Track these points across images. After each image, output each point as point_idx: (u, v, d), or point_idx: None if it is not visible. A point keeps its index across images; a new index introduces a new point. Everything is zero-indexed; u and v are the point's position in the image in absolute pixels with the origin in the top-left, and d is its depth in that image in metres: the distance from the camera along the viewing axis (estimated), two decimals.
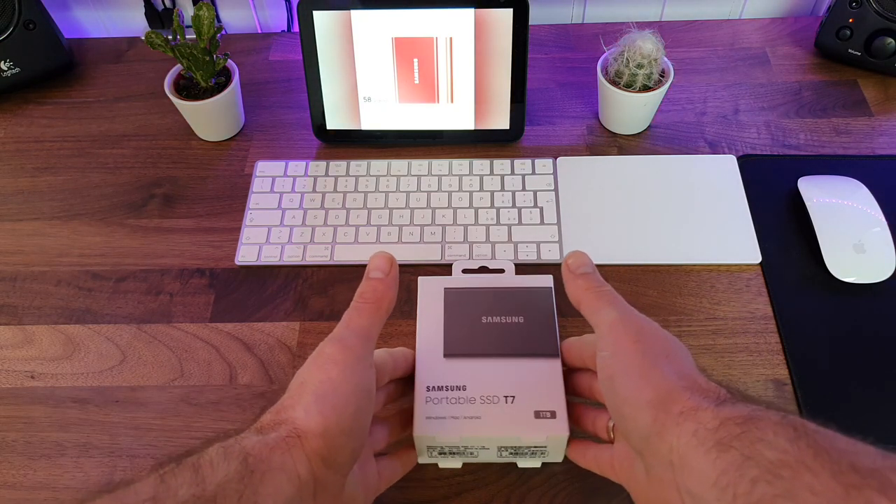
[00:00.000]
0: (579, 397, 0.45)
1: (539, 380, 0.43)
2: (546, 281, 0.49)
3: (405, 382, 0.46)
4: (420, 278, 0.49)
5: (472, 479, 0.49)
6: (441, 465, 0.47)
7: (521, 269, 0.60)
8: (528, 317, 0.47)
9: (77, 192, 0.68)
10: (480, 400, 0.43)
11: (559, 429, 0.41)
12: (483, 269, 0.58)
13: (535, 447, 0.43)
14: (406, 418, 0.44)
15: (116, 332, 0.58)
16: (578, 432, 0.43)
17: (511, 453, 0.44)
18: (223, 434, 0.34)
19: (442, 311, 0.47)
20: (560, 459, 0.45)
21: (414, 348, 0.46)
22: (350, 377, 0.36)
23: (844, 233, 0.59)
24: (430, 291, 0.49)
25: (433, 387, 0.43)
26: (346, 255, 0.62)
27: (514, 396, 0.43)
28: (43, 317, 0.60)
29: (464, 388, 0.43)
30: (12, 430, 0.53)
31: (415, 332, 0.47)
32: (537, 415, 0.42)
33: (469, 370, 0.44)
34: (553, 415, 0.42)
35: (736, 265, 0.60)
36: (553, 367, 0.44)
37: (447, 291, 0.48)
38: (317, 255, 0.62)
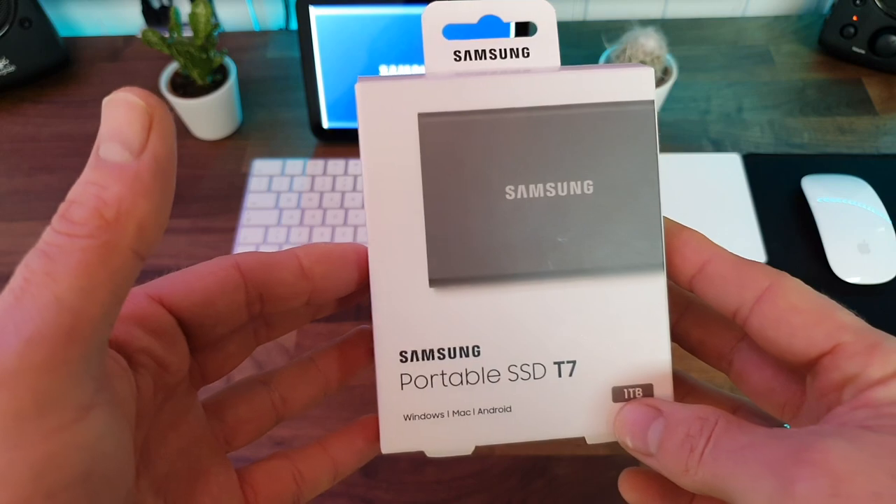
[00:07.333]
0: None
1: (623, 322, 0.23)
2: (640, 81, 0.24)
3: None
4: (360, 84, 0.22)
5: (475, 483, 0.48)
6: (432, 455, 0.24)
7: None
8: (602, 178, 0.23)
9: None
10: (509, 373, 0.23)
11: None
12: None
13: None
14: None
15: None
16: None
17: None
18: None
19: (418, 174, 0.22)
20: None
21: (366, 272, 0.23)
22: (23, 457, 0.15)
23: (848, 232, 0.58)
24: (386, 125, 0.22)
25: (412, 353, 0.23)
26: None
27: (573, 362, 0.23)
28: None
29: (475, 352, 0.23)
30: None
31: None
32: (618, 395, 0.23)
33: (483, 313, 0.23)
34: (646, 392, 0.23)
35: None
36: (652, 292, 0.23)
37: (427, 123, 0.22)
38: None
